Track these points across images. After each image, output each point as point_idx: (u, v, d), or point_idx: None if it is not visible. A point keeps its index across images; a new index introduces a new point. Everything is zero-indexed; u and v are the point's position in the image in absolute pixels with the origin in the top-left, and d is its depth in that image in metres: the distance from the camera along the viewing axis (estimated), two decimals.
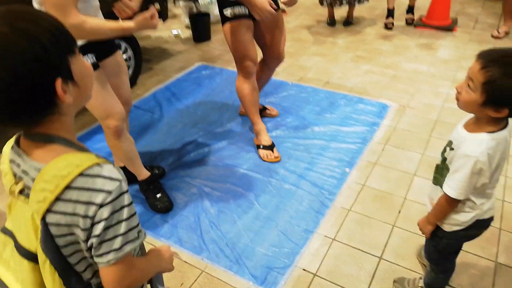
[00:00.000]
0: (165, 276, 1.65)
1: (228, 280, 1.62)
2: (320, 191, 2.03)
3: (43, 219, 0.65)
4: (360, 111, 2.70)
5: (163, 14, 3.27)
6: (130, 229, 0.70)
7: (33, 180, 0.67)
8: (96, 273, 0.76)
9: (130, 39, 2.93)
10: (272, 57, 2.35)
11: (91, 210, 0.65)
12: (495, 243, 1.73)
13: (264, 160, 2.28)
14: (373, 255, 1.70)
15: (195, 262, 1.71)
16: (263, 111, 2.66)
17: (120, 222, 0.68)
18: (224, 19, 2.10)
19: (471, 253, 1.67)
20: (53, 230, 0.66)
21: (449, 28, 3.97)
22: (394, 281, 1.56)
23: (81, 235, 0.67)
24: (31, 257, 0.69)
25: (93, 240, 0.67)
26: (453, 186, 1.11)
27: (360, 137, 2.44)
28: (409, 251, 1.70)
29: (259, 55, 2.37)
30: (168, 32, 4.19)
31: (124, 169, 2.02)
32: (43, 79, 0.62)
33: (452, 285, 1.54)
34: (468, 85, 1.03)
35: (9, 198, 0.74)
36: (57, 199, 0.64)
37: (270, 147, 2.30)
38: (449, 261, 1.39)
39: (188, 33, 4.12)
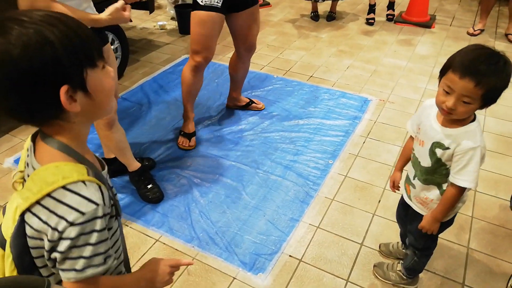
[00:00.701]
0: None
1: (218, 267, 1.70)
2: (305, 182, 2.13)
3: (22, 215, 0.67)
4: (343, 105, 2.81)
5: (150, 6, 3.28)
6: (96, 255, 0.69)
7: (27, 175, 0.71)
8: (60, 282, 0.76)
9: (117, 30, 2.93)
10: (245, 49, 2.41)
11: (61, 225, 0.65)
12: (467, 230, 1.87)
13: (179, 147, 2.38)
14: (355, 241, 1.82)
15: (186, 250, 1.78)
16: (250, 105, 2.73)
17: (86, 244, 0.67)
18: (195, 5, 2.07)
19: (445, 239, 1.81)
20: (27, 230, 0.68)
21: (427, 24, 4.12)
22: (374, 266, 1.68)
23: (46, 244, 0.67)
24: (3, 245, 0.71)
25: (57, 255, 0.67)
26: (469, 179, 1.16)
27: (342, 130, 2.54)
28: (388, 238, 1.82)
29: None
30: (153, 24, 4.18)
31: (115, 160, 2.06)
32: (48, 82, 0.63)
33: (428, 269, 1.67)
34: (463, 101, 1.08)
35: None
36: (37, 202, 0.66)
37: (189, 135, 2.40)
38: (434, 243, 1.48)
39: (173, 24, 4.13)
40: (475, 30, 3.90)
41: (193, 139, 2.41)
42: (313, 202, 2.02)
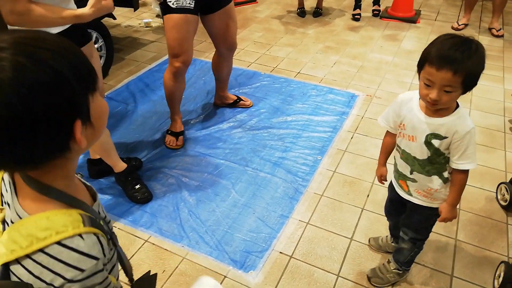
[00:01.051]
0: (147, 263, 1.70)
1: (209, 265, 1.69)
2: (294, 178, 2.13)
3: (7, 264, 0.60)
4: (330, 101, 2.81)
5: (134, 3, 3.23)
6: None
7: (11, 221, 0.62)
8: None
9: (101, 28, 2.88)
10: (226, 48, 2.39)
11: (58, 281, 0.59)
12: (455, 222, 1.89)
13: (166, 146, 2.37)
14: (345, 236, 1.82)
15: (176, 249, 1.76)
16: (237, 102, 2.72)
17: None
18: (166, 8, 2.01)
19: (434, 232, 1.82)
20: (14, 279, 0.61)
21: (412, 19, 4.15)
22: (370, 278, 1.61)
23: None
24: None
25: None
26: (471, 161, 1.21)
27: (330, 126, 2.55)
28: (377, 232, 1.83)
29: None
30: (138, 21, 4.12)
31: (101, 161, 2.03)
32: (62, 120, 0.55)
33: (417, 262, 1.68)
34: (445, 90, 1.10)
35: None
36: (27, 256, 0.58)
37: (177, 135, 2.39)
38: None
39: (159, 22, 4.08)
40: (459, 25, 3.95)
41: (181, 138, 2.39)
42: (302, 198, 2.01)
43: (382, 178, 1.53)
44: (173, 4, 1.99)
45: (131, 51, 3.52)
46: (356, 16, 4.19)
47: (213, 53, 2.49)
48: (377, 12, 4.28)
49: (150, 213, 1.93)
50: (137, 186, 2.01)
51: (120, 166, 2.01)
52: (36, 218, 0.60)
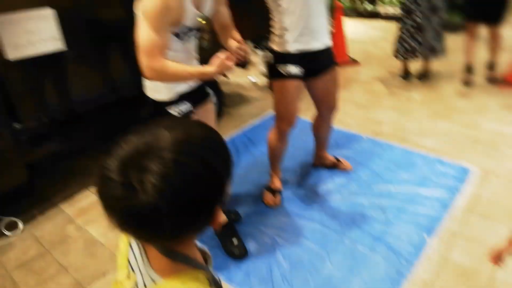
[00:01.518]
0: None
1: None
2: (397, 258, 1.96)
3: None
4: (439, 172, 2.61)
5: (245, 62, 3.48)
6: None
7: (144, 284, 0.68)
8: None
9: (214, 85, 3.14)
10: (328, 109, 2.40)
11: None
12: None
13: (264, 202, 2.41)
14: None
15: None
16: (336, 165, 2.67)
17: None
18: (277, 74, 2.08)
19: None
20: None
21: None
22: None
23: None
24: None
25: None
26: None
27: (439, 201, 2.34)
28: None
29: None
30: (245, 79, 4.42)
31: None
32: (212, 206, 0.63)
33: None
34: None
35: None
36: None
37: (275, 192, 2.41)
38: None
39: (264, 80, 4.32)
40: None
41: (279, 196, 2.41)
42: (405, 284, 1.83)
43: (498, 257, 1.31)
44: (284, 71, 2.07)
45: (236, 106, 3.76)
46: (467, 81, 3.94)
47: (314, 111, 2.52)
48: (492, 78, 3.97)
49: (244, 271, 1.93)
50: (235, 241, 2.04)
51: (220, 218, 2.08)
52: (170, 281, 0.66)
